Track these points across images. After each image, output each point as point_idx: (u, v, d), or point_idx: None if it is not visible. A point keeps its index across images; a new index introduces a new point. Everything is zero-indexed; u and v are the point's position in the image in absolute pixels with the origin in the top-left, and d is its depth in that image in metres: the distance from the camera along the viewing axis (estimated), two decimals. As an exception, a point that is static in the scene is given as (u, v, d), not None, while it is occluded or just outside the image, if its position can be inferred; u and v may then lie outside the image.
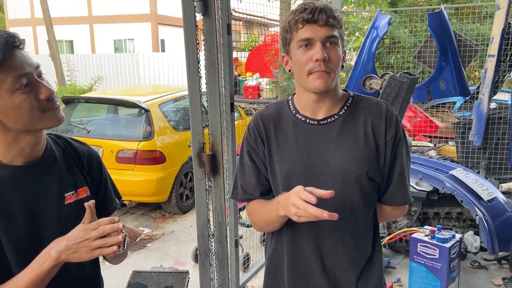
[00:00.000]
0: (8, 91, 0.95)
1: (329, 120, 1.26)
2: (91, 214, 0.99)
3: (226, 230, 1.42)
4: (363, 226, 1.29)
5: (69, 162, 1.15)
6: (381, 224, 3.54)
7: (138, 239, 4.33)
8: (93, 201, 1.02)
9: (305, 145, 1.25)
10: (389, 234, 3.41)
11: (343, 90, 1.33)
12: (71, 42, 21.51)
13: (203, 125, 1.32)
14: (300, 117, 1.28)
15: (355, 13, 8.02)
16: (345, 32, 8.10)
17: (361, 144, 1.23)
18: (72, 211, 1.10)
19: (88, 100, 5.35)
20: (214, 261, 1.47)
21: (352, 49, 8.34)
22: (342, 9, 5.38)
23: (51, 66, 13.33)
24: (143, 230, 4.52)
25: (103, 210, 1.18)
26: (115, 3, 20.01)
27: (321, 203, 1.14)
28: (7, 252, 1.01)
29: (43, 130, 1.07)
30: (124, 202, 4.57)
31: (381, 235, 3.41)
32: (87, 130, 4.78)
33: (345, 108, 1.27)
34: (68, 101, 5.26)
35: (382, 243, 3.29)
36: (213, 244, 1.43)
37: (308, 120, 1.27)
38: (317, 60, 1.16)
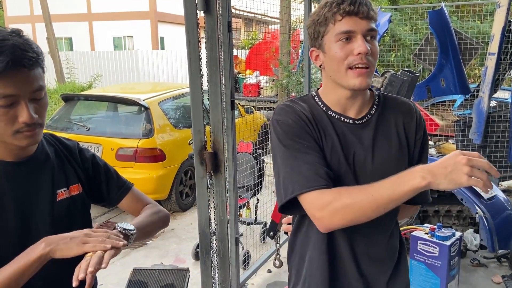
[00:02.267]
0: None
1: (364, 119, 1.21)
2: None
3: (227, 228, 1.42)
4: (392, 227, 1.27)
5: (61, 160, 1.16)
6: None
7: (138, 236, 4.33)
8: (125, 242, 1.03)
9: (342, 144, 1.18)
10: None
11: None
12: (70, 39, 21.48)
13: (204, 123, 1.31)
14: (333, 114, 1.20)
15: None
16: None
17: (395, 144, 1.20)
18: (64, 207, 1.11)
19: (87, 98, 5.33)
20: (215, 258, 1.47)
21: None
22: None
23: (50, 64, 13.30)
24: (143, 228, 4.52)
25: (111, 195, 1.24)
26: (114, 1, 19.97)
27: None
28: None
29: None
30: (124, 199, 4.56)
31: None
32: (87, 128, 4.78)
33: (375, 107, 1.23)
34: (67, 98, 5.25)
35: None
36: (214, 242, 1.43)
37: (343, 118, 1.20)
38: (359, 53, 1.10)
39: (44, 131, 1.11)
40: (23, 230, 1.05)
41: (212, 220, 1.39)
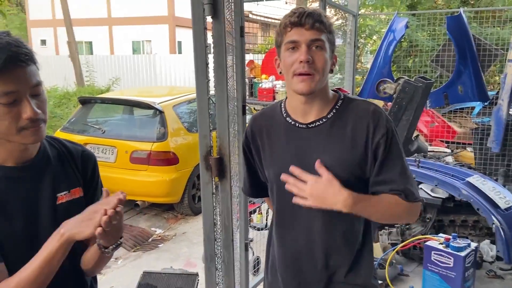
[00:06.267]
0: None
1: (317, 123, 1.29)
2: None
3: (232, 234, 1.41)
4: (351, 224, 1.32)
5: (63, 163, 1.17)
6: (394, 231, 3.48)
7: (150, 239, 4.35)
8: (125, 194, 1.04)
9: (295, 148, 1.29)
10: (402, 241, 3.35)
11: (334, 91, 1.35)
12: (90, 43, 21.87)
13: (211, 128, 1.31)
14: (290, 120, 1.32)
15: (372, 16, 7.95)
16: (362, 35, 8.04)
17: (348, 146, 1.25)
18: (65, 210, 1.11)
19: (104, 101, 5.40)
20: (220, 265, 1.45)
21: (369, 53, 8.27)
22: (359, 12, 5.33)
23: (71, 67, 13.56)
24: (155, 231, 4.55)
25: None
26: (133, 5, 20.27)
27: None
28: (6, 249, 1.03)
29: None
30: (137, 202, 4.60)
31: (394, 242, 3.37)
32: (102, 131, 4.83)
33: (334, 111, 1.29)
34: (84, 101, 5.33)
35: (395, 250, 3.23)
36: (220, 248, 1.42)
37: (297, 124, 1.30)
38: (301, 61, 1.20)
39: (58, 133, 1.11)
40: (30, 234, 1.05)
41: (218, 226, 1.38)
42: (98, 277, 3.67)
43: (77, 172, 1.19)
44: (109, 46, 21.57)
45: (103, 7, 21.17)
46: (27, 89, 0.99)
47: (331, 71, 1.28)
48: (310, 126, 1.29)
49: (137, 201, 4.59)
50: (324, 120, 1.28)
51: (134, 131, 4.93)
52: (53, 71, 15.25)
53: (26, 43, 1.01)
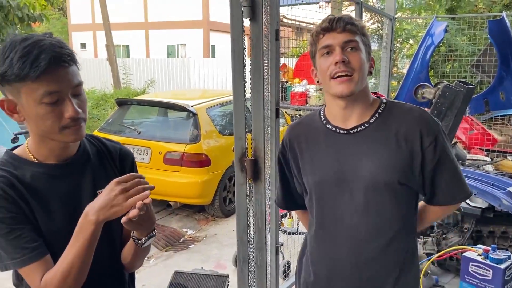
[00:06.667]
0: (35, 100, 0.99)
1: (359, 129, 1.25)
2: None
3: (266, 237, 1.41)
4: (398, 234, 1.27)
5: (102, 161, 1.19)
6: (430, 240, 3.37)
7: (182, 239, 4.41)
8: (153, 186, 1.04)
9: (336, 154, 1.26)
10: (438, 251, 3.24)
11: (375, 96, 1.32)
12: (127, 46, 22.47)
13: (246, 130, 1.31)
14: (330, 127, 1.29)
15: (409, 20, 7.78)
16: (399, 40, 7.88)
17: (393, 152, 1.22)
18: None
19: (140, 103, 5.53)
20: (253, 267, 1.45)
21: (405, 57, 8.09)
22: (396, 16, 5.23)
23: (108, 70, 13.96)
24: (187, 231, 4.60)
25: None
26: (170, 10, 20.69)
27: (354, 210, 1.20)
28: (48, 244, 1.06)
29: None
30: (169, 203, 4.67)
31: (430, 251, 3.28)
32: (137, 132, 4.95)
33: (377, 115, 1.26)
34: (121, 103, 5.47)
35: (431, 260, 3.13)
36: (253, 250, 1.42)
37: (338, 130, 1.27)
38: (336, 63, 1.18)
39: (95, 134, 1.15)
40: (71, 230, 1.07)
41: (251, 228, 1.38)
42: (131, 275, 3.69)
43: (115, 169, 1.21)
44: (145, 49, 22.10)
45: (141, 12, 21.72)
46: (69, 89, 1.02)
47: (370, 73, 1.25)
48: (352, 131, 1.26)
49: (169, 201, 4.67)
50: (366, 125, 1.25)
51: (168, 133, 5.02)
52: (91, 73, 15.80)
53: (67, 45, 1.04)
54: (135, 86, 13.53)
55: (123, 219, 0.99)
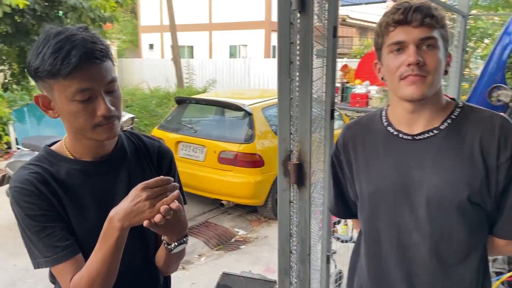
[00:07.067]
0: (67, 98, 0.97)
1: (427, 135, 1.07)
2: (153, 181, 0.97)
3: (309, 248, 1.30)
4: (464, 258, 1.08)
5: (139, 158, 1.16)
6: (500, 258, 3.06)
7: (233, 239, 4.39)
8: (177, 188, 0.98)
9: (396, 163, 1.09)
10: (509, 270, 2.93)
11: (450, 99, 1.12)
12: (191, 47, 23.15)
13: (291, 131, 1.21)
14: (392, 130, 1.13)
15: (485, 18, 7.21)
16: (472, 39, 7.32)
17: (465, 165, 1.03)
18: None
19: (198, 101, 5.61)
20: (295, 279, 1.35)
21: (479, 58, 7.54)
22: (470, 13, 4.84)
23: (172, 70, 14.47)
24: (238, 232, 4.58)
25: None
26: (233, 11, 21.03)
27: (414, 229, 1.04)
28: (80, 241, 1.04)
29: None
30: (222, 202, 4.68)
31: (499, 270, 2.96)
32: (194, 130, 5.01)
33: (449, 121, 1.07)
34: (180, 101, 5.58)
35: (501, 280, 2.83)
36: (295, 261, 1.32)
37: (401, 135, 1.11)
38: (409, 64, 1.01)
39: (155, 131, 1.11)
40: (101, 227, 1.06)
41: (294, 238, 1.28)
42: (182, 272, 3.75)
43: (153, 168, 1.18)
44: (208, 50, 22.64)
45: (205, 13, 22.28)
46: (102, 86, 0.98)
47: (446, 72, 1.07)
48: (417, 138, 1.09)
49: (222, 200, 4.67)
50: (436, 131, 1.07)
51: (224, 132, 5.03)
52: (157, 73, 16.47)
53: (102, 39, 1.00)
54: (197, 85, 13.88)
55: (145, 223, 0.94)
